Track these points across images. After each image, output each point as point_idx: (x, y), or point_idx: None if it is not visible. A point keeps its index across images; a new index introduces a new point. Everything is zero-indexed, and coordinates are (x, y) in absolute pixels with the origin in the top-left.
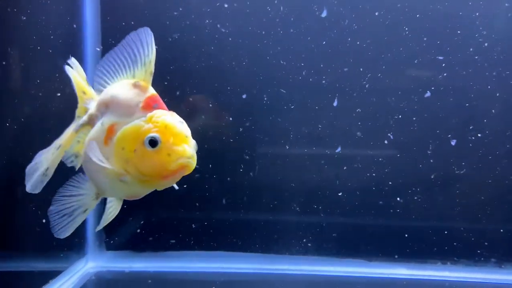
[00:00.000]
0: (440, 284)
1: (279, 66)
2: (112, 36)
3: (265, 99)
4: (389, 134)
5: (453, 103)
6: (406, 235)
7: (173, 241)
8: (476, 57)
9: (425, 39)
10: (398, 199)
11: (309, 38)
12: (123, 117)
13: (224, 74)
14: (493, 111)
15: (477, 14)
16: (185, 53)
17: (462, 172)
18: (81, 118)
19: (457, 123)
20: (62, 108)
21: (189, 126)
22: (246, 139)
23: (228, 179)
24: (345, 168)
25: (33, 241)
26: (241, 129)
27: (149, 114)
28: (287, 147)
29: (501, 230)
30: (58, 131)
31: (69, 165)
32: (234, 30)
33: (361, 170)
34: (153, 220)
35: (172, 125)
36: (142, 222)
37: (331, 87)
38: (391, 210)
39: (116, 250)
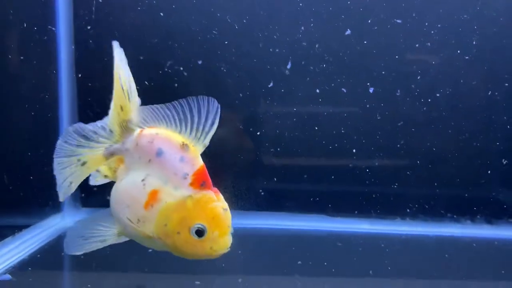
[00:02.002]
0: (398, 237)
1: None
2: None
3: None
4: (343, 90)
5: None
6: (370, 194)
7: None
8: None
9: None
10: (359, 160)
11: None
12: (168, 184)
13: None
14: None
15: None
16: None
17: (421, 136)
18: (110, 140)
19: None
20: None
21: None
22: None
23: None
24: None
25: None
26: None
27: (197, 195)
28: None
29: (459, 189)
30: None
31: (91, 182)
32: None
33: (325, 129)
34: None
35: (220, 216)
36: None
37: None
38: (356, 171)
39: (92, 207)
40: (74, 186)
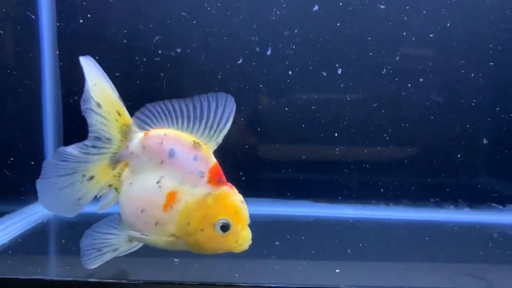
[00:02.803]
0: (382, 222)
1: None
2: None
3: None
4: (324, 74)
5: None
6: (354, 180)
7: None
8: None
9: None
10: (342, 146)
11: None
12: (185, 184)
13: None
14: None
15: None
16: None
17: (404, 123)
18: (112, 148)
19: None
20: None
21: None
22: None
23: None
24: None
25: None
26: None
27: (216, 192)
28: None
29: (442, 175)
30: None
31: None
32: None
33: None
34: None
35: (241, 210)
36: None
37: None
38: (340, 158)
39: None
40: (84, 202)
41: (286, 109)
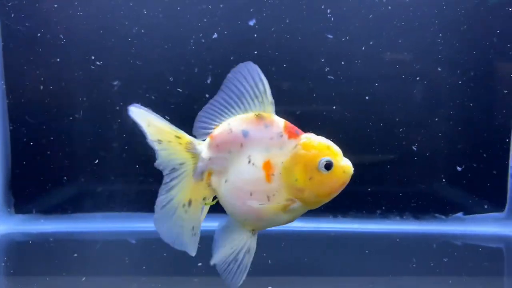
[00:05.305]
0: (327, 234)
1: None
2: None
3: None
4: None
5: None
6: None
7: (81, 203)
8: None
9: None
10: None
11: None
12: (272, 150)
13: None
14: None
15: None
16: None
17: (348, 131)
18: (188, 168)
19: None
20: None
21: None
22: None
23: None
24: None
25: None
26: None
27: (302, 141)
28: None
29: (388, 185)
30: None
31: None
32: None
33: None
34: (63, 183)
35: (330, 144)
36: (50, 185)
37: None
38: None
39: (25, 214)
40: (197, 230)
41: None
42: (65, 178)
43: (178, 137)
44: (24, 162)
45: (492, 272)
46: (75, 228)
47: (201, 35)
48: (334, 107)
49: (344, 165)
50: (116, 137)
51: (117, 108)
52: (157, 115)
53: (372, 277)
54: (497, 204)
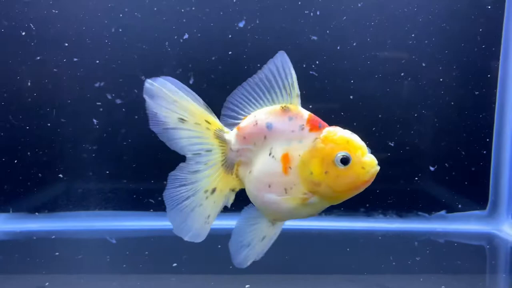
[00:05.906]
0: (310, 232)
1: None
2: None
3: None
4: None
5: None
6: None
7: (67, 202)
8: None
9: None
10: None
11: None
12: (292, 143)
13: None
14: None
15: None
16: None
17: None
18: (218, 156)
19: None
20: None
21: None
22: None
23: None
24: None
25: None
26: None
27: (322, 135)
28: None
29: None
30: None
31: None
32: None
33: None
34: (48, 182)
35: (352, 139)
36: (29, 184)
37: None
38: None
39: (3, 213)
40: (211, 220)
41: None
42: (43, 177)
43: (208, 122)
44: (3, 159)
45: (474, 270)
46: (55, 227)
47: (185, 35)
48: (311, 106)
49: (365, 161)
50: (97, 135)
51: (95, 107)
52: (191, 91)
53: (353, 275)
54: (480, 202)
